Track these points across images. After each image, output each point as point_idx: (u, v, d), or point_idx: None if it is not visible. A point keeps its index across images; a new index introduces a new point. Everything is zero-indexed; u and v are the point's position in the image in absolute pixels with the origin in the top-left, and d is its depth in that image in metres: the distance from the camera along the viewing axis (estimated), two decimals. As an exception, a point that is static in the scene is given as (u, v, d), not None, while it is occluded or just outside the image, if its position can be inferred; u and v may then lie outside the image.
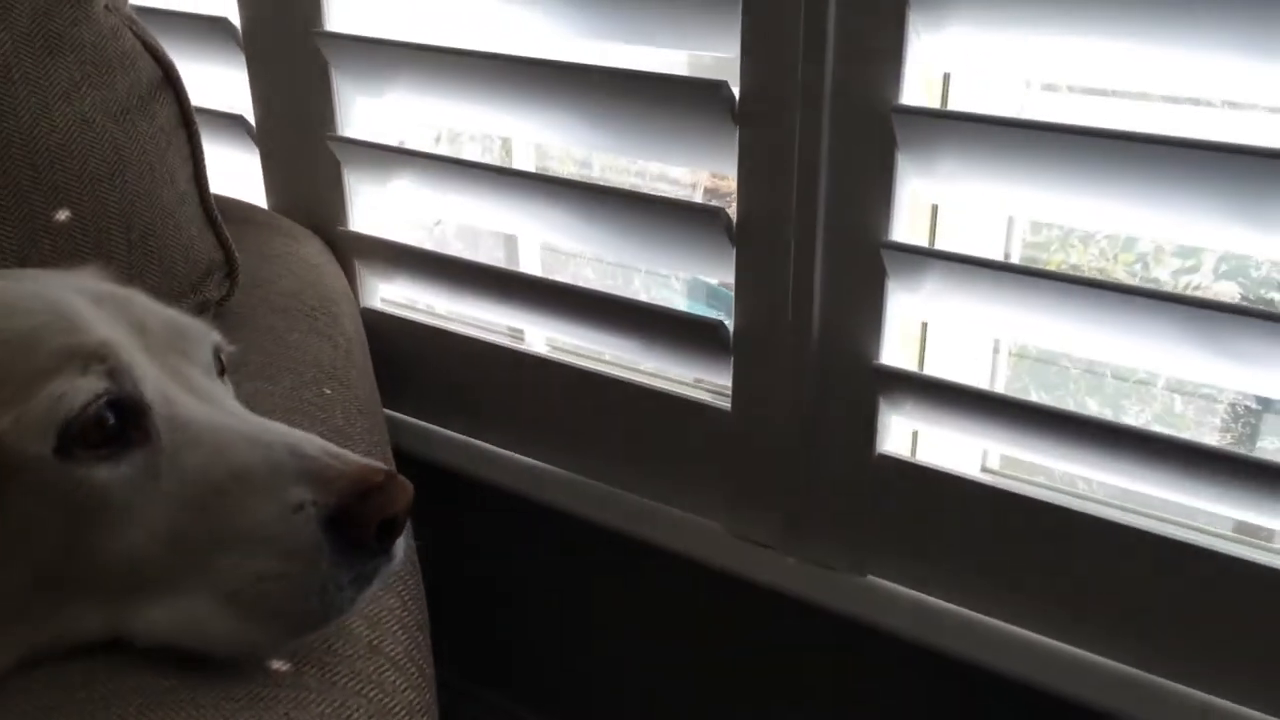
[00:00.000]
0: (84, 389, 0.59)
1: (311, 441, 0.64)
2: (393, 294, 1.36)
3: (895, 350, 0.98)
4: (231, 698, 0.58)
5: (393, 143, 1.29)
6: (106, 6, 0.94)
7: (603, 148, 1.16)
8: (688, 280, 1.65)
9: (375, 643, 0.67)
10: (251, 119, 1.34)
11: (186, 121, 0.96)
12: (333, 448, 0.64)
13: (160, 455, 0.62)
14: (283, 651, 0.63)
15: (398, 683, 0.65)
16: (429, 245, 1.34)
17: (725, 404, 1.08)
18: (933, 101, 0.96)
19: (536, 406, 1.23)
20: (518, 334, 1.31)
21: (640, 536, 1.16)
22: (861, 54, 0.89)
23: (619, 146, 1.14)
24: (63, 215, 0.85)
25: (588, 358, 1.23)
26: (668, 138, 1.06)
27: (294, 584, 0.61)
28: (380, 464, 0.64)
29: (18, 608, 0.61)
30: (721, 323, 1.04)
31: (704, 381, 1.16)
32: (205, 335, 0.71)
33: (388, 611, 0.71)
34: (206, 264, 0.95)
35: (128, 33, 0.94)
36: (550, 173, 1.48)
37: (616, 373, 1.18)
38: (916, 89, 0.91)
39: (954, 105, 0.96)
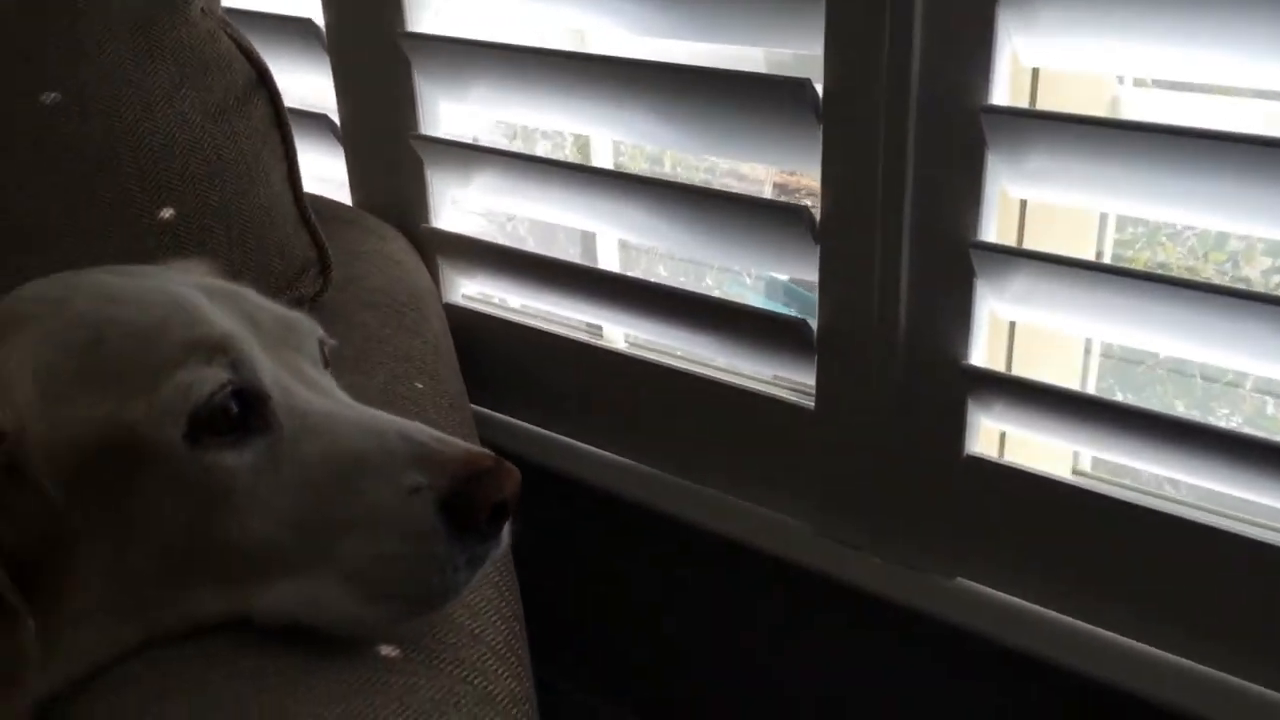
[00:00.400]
0: (211, 378, 0.62)
1: (421, 429, 0.67)
2: (474, 290, 1.38)
3: (983, 350, 0.97)
4: (344, 681, 0.60)
5: (472, 141, 1.31)
6: (203, 10, 0.96)
7: (682, 146, 1.17)
8: (763, 278, 1.65)
9: (477, 632, 0.68)
10: (336, 119, 1.37)
11: (280, 122, 0.99)
12: (441, 434, 0.66)
13: (281, 443, 0.65)
14: (397, 632, 0.65)
15: (500, 671, 0.67)
16: (507, 242, 1.36)
17: (809, 402, 1.08)
18: (1021, 99, 0.95)
19: (616, 402, 1.24)
20: (596, 330, 1.32)
21: (725, 534, 1.16)
22: (949, 51, 0.89)
23: (699, 145, 1.15)
24: (167, 213, 0.88)
25: (666, 354, 1.24)
26: (749, 136, 1.06)
27: (412, 564, 0.63)
28: (487, 450, 0.66)
29: (144, 591, 0.63)
30: (805, 321, 1.04)
31: (784, 379, 1.16)
32: (312, 329, 0.74)
33: (486, 602, 0.72)
34: (301, 261, 0.98)
35: (223, 35, 0.96)
36: (624, 170, 1.49)
37: (697, 369, 1.18)
38: (1004, 86, 0.90)
39: (1043, 103, 0.95)
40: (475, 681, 0.64)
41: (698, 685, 1.33)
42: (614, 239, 1.41)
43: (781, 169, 1.49)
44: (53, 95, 0.85)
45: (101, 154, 0.85)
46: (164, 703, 0.58)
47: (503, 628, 0.71)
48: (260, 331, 0.69)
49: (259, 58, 0.97)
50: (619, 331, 1.30)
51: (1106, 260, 1.05)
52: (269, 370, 0.66)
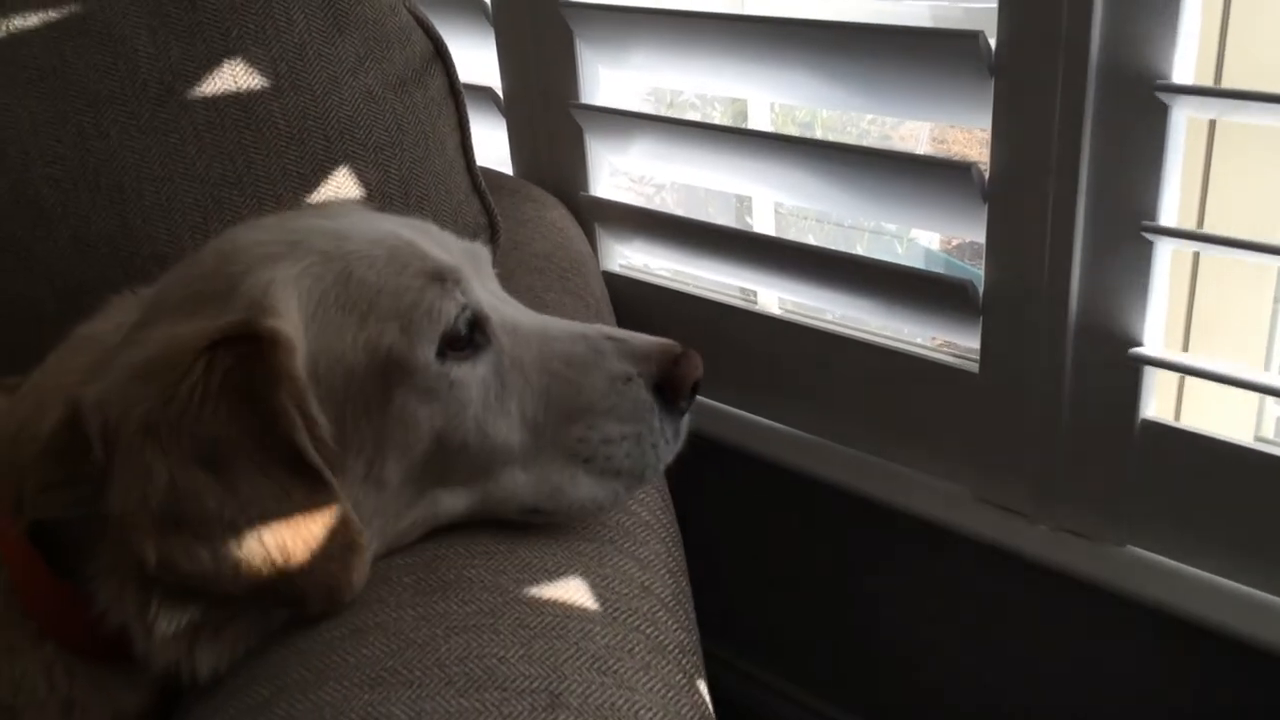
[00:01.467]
0: (452, 304, 0.70)
1: (614, 329, 0.76)
2: (631, 257, 1.39)
3: (1159, 319, 0.93)
4: (526, 626, 0.62)
5: (631, 109, 1.32)
6: (382, -15, 1.00)
7: (846, 105, 1.15)
8: (918, 246, 1.62)
9: (647, 584, 0.70)
10: (499, 90, 1.40)
11: (454, 92, 1.02)
12: (630, 331, 0.75)
13: (503, 354, 0.72)
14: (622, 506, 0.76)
15: (669, 623, 0.68)
16: (664, 209, 1.37)
17: (973, 367, 1.05)
18: (1205, 67, 0.90)
19: (772, 367, 1.24)
20: (749, 295, 1.32)
21: (884, 500, 1.15)
22: (1130, 14, 0.85)
23: (864, 103, 1.13)
24: (351, 181, 0.92)
25: (821, 319, 1.23)
26: (917, 92, 1.03)
27: (634, 441, 0.72)
28: (671, 341, 0.75)
29: (394, 498, 0.69)
30: (971, 283, 1.02)
31: (947, 344, 1.14)
32: (488, 255, 0.81)
33: (655, 556, 0.74)
34: (473, 227, 1.01)
35: (403, 8, 1.00)
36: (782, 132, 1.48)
37: (856, 333, 1.17)
38: (1188, 56, 0.85)
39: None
40: (647, 631, 0.66)
41: (858, 651, 1.32)
42: (767, 211, 1.40)
43: (951, 124, 1.45)
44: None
45: (291, 127, 0.90)
46: (360, 641, 0.62)
47: (670, 582, 0.73)
48: (459, 259, 0.75)
49: (435, 30, 1.00)
50: (774, 297, 1.30)
51: None
52: (482, 293, 0.74)
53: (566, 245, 1.17)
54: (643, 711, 0.58)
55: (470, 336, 0.71)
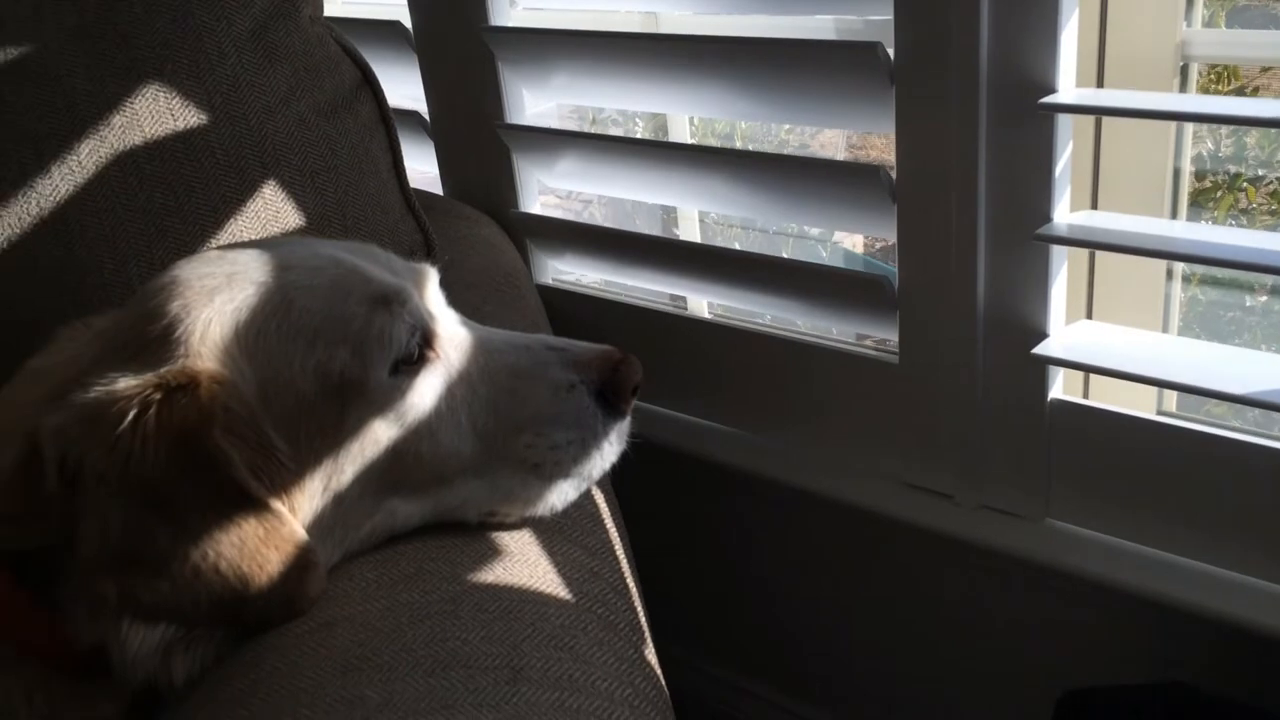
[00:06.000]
0: (401, 327, 0.73)
1: (557, 338, 0.81)
2: (564, 270, 1.44)
3: (1059, 310, 1.00)
4: (485, 610, 0.66)
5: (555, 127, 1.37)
6: (310, 16, 1.04)
7: (759, 117, 1.21)
8: (839, 249, 1.69)
9: (596, 570, 0.75)
10: (425, 114, 1.44)
11: (384, 117, 1.06)
12: (571, 340, 0.80)
13: (452, 368, 0.77)
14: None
15: (618, 604, 0.73)
16: (593, 222, 1.41)
17: (893, 359, 1.12)
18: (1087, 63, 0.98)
19: (702, 369, 1.29)
20: (680, 301, 1.37)
21: (818, 491, 1.20)
22: (1015, 27, 0.92)
23: (775, 114, 1.19)
24: (289, 206, 0.96)
25: (750, 321, 1.29)
26: (824, 102, 1.10)
27: (582, 446, 0.77)
28: (611, 346, 0.79)
29: (353, 509, 0.73)
30: (887, 277, 1.08)
31: (867, 338, 1.20)
32: (433, 273, 0.84)
33: (602, 544, 0.79)
34: (409, 245, 1.05)
35: (330, 39, 1.04)
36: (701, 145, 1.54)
37: (782, 332, 1.23)
38: (1069, 66, 0.93)
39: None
40: (598, 611, 0.70)
41: (791, 640, 1.37)
42: (692, 220, 1.46)
43: (856, 131, 1.52)
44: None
45: (229, 156, 0.93)
46: (329, 633, 0.65)
47: (617, 567, 0.78)
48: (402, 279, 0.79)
49: (362, 58, 1.04)
50: (703, 302, 1.36)
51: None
52: (427, 310, 0.78)
53: (500, 260, 1.21)
54: (599, 682, 0.63)
55: (420, 353, 0.75)
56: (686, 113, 1.34)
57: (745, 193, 1.19)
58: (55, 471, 0.65)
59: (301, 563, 0.68)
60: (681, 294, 1.35)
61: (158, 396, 0.66)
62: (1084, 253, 1.07)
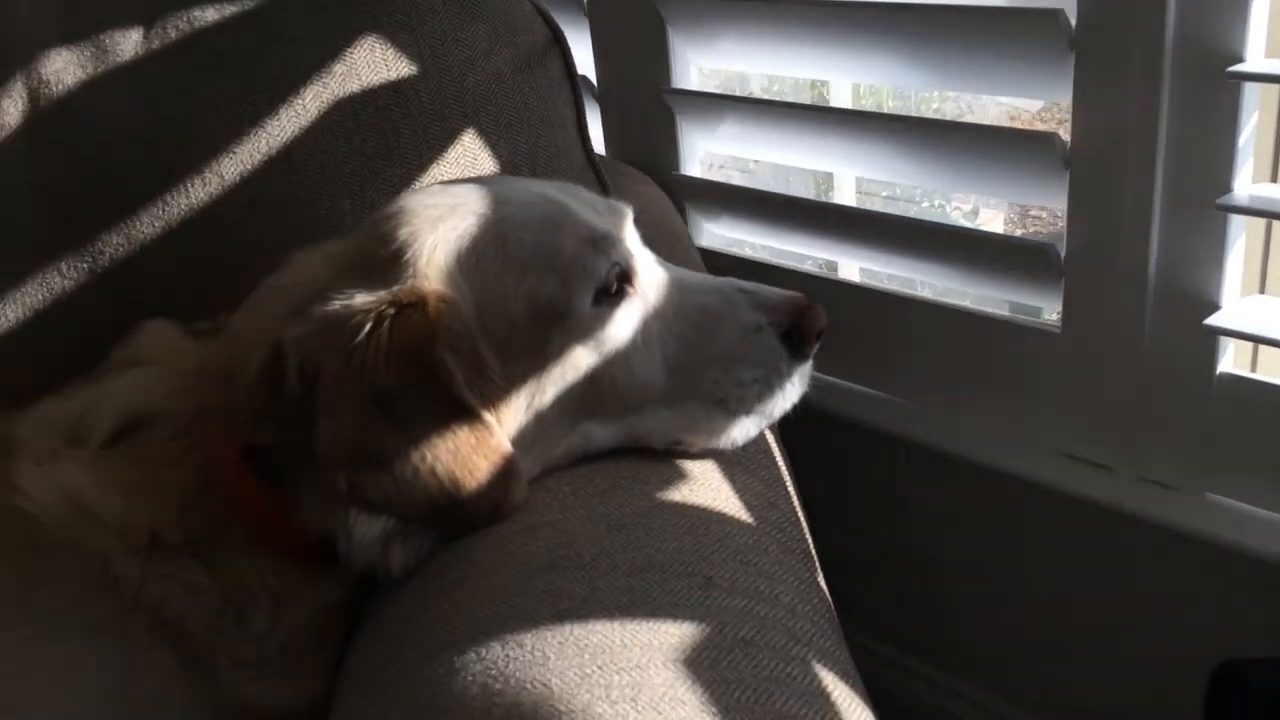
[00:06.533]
0: (605, 263, 0.80)
1: (745, 282, 0.85)
2: (718, 233, 1.48)
3: (1234, 283, 0.99)
4: (677, 525, 0.71)
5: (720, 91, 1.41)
6: (505, -23, 1.10)
7: (929, 84, 1.23)
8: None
9: (773, 500, 0.80)
10: (593, 78, 1.50)
11: (570, 75, 1.11)
12: (760, 284, 0.84)
13: (648, 304, 0.82)
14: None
15: (793, 532, 0.77)
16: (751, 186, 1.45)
17: (1055, 328, 1.12)
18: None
19: (855, 335, 1.31)
20: (829, 268, 1.40)
21: (971, 458, 1.21)
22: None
23: (945, 82, 1.20)
24: (485, 154, 1.02)
25: (904, 286, 1.30)
26: (998, 69, 1.11)
27: (766, 385, 0.82)
28: (797, 293, 0.83)
29: (551, 429, 0.79)
30: (1053, 246, 1.09)
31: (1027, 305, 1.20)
32: (630, 212, 0.90)
33: (776, 479, 0.84)
34: (590, 197, 1.10)
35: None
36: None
37: (938, 299, 1.25)
38: (1259, 35, 0.92)
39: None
40: (776, 536, 0.75)
41: (947, 607, 1.37)
42: (848, 188, 1.48)
43: (1032, 99, 1.52)
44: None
45: (434, 104, 1.00)
46: (533, 536, 0.71)
47: (790, 500, 0.82)
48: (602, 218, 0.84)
49: (553, 19, 1.10)
50: (854, 268, 1.38)
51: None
52: (628, 250, 0.83)
53: (666, 219, 1.26)
54: (782, 595, 0.67)
55: (620, 288, 0.80)
56: (854, 79, 1.36)
57: (910, 159, 1.21)
58: (296, 375, 0.73)
59: (507, 471, 0.74)
60: (838, 259, 1.38)
61: (391, 312, 0.73)
62: (1258, 228, 1.05)
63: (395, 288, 0.75)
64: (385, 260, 0.77)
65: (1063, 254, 1.08)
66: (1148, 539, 1.11)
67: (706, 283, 0.85)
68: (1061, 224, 1.06)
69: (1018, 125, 1.68)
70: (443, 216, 0.79)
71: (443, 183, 0.88)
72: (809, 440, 1.34)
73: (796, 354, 0.83)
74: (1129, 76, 0.98)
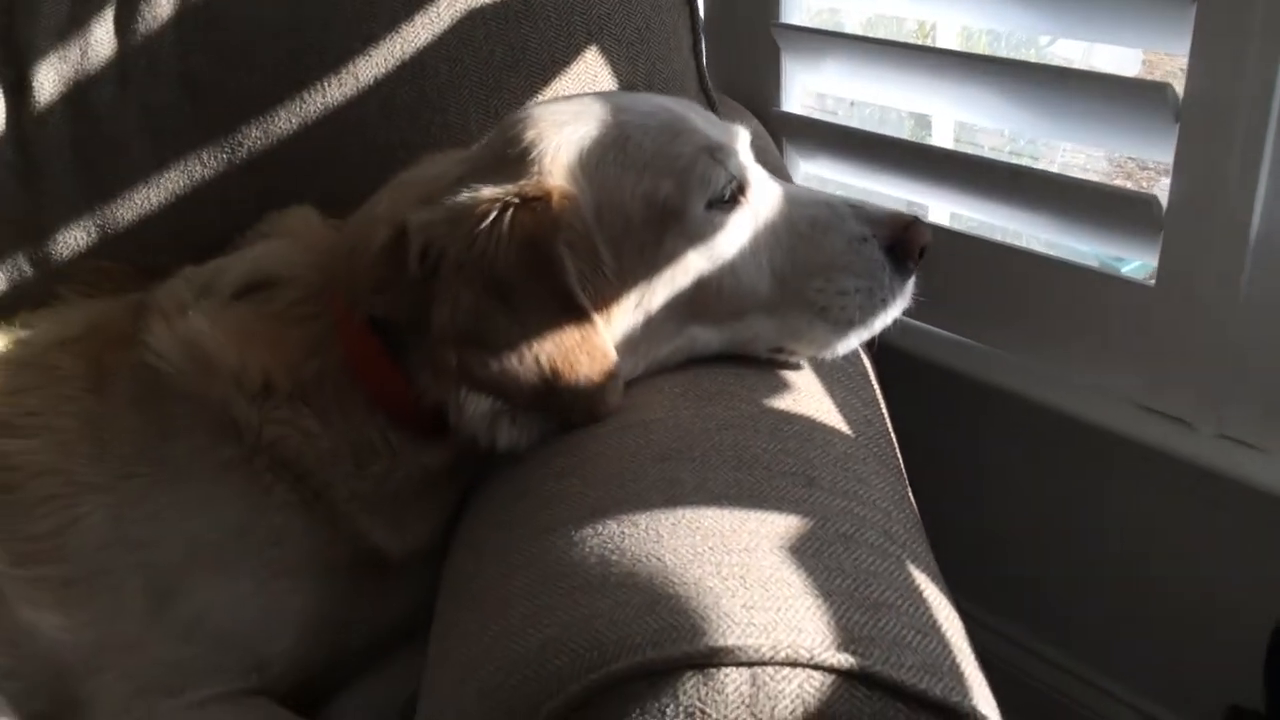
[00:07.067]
0: (722, 173, 0.83)
1: (851, 197, 0.88)
2: (813, 171, 1.50)
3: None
4: (780, 430, 0.75)
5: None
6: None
7: (1042, 30, 1.23)
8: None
9: (869, 417, 0.83)
10: (700, 6, 1.51)
11: (689, 1, 1.14)
12: (865, 200, 0.85)
13: (758, 215, 0.85)
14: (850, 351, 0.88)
15: (887, 447, 0.81)
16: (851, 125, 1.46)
17: (1149, 280, 1.13)
18: None
19: (944, 279, 1.32)
20: (920, 211, 1.40)
21: (1051, 405, 1.22)
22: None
23: (1060, 28, 1.21)
24: (605, 72, 1.06)
25: (994, 231, 1.31)
26: (1115, 18, 1.11)
27: (868, 295, 0.84)
28: (902, 210, 0.85)
29: (658, 330, 0.84)
30: (1156, 198, 1.09)
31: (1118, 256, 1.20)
32: (745, 133, 0.92)
33: (872, 399, 0.87)
34: (700, 121, 1.13)
35: (646, -78, 1.12)
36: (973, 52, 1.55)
37: (1029, 246, 1.26)
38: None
39: None
40: (872, 449, 0.79)
41: (1017, 554, 1.38)
42: (946, 133, 1.48)
43: (1148, 49, 1.50)
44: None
45: (561, 20, 1.04)
46: (645, 430, 0.76)
47: (885, 421, 0.85)
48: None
49: (671, -60, 1.12)
50: (945, 212, 1.38)
51: None
52: (743, 163, 0.86)
53: (768, 150, 1.29)
54: (879, 501, 0.71)
55: (733, 197, 0.84)
56: (963, 21, 1.36)
57: (1016, 104, 1.21)
58: (417, 258, 0.78)
59: (606, 372, 0.79)
60: (933, 203, 1.39)
61: (515, 203, 0.77)
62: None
63: (521, 182, 0.79)
64: (512, 159, 0.81)
65: (1164, 207, 1.09)
66: (1223, 494, 1.12)
67: (815, 197, 0.88)
68: (1154, 183, 1.06)
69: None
70: (568, 121, 0.83)
71: (566, 96, 0.91)
72: (887, 381, 1.36)
73: (900, 268, 0.85)
74: (1249, 29, 0.98)
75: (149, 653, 0.83)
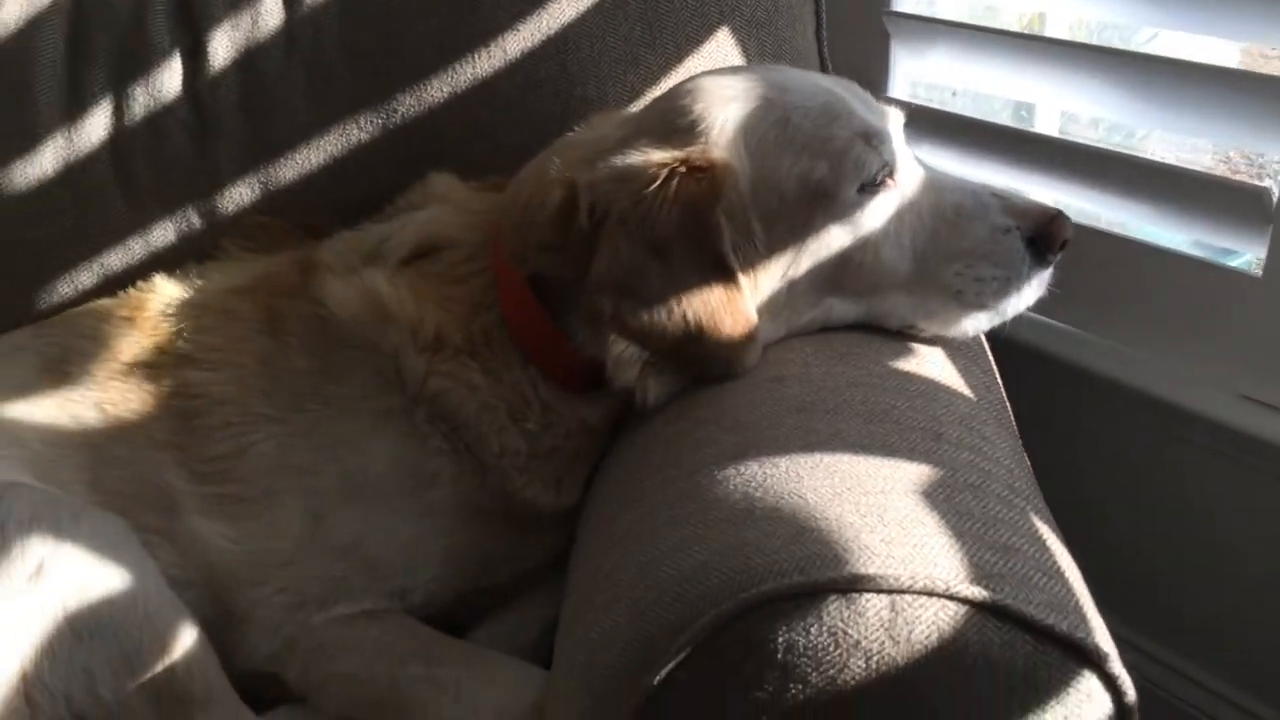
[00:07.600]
0: (876, 159, 0.87)
1: (997, 187, 0.92)
2: (920, 157, 1.53)
3: None
4: (908, 389, 0.80)
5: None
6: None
7: (1152, 21, 1.25)
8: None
9: (988, 385, 0.88)
10: (814, -5, 1.55)
11: (815, -17, 1.19)
12: (1009, 190, 0.88)
13: (904, 199, 0.90)
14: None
15: (1004, 413, 0.85)
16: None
17: (1257, 271, 1.15)
18: None
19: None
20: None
21: (1151, 392, 1.24)
22: None
23: (1173, 20, 1.22)
24: (735, 52, 1.11)
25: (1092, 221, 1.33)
26: (1223, 7, 1.12)
27: (1005, 284, 0.88)
28: (1046, 203, 0.88)
29: (800, 298, 0.89)
30: (1268, 189, 1.11)
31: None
32: (899, 115, 0.96)
33: (989, 372, 0.92)
34: (820, 104, 1.18)
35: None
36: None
37: (1134, 236, 1.28)
38: None
39: None
40: (992, 413, 0.83)
41: (1110, 543, 1.38)
42: (1051, 123, 1.50)
43: (1255, 42, 1.50)
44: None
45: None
46: (781, 384, 0.81)
47: (1002, 392, 0.90)
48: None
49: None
50: (1047, 198, 1.40)
51: None
52: (895, 148, 0.90)
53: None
54: (1001, 458, 0.76)
55: (882, 181, 0.88)
56: (1070, 13, 1.37)
57: (1127, 95, 1.23)
58: (586, 213, 0.84)
59: (747, 333, 0.84)
60: (1037, 192, 1.40)
61: (682, 170, 0.83)
62: None
63: (688, 149, 0.84)
64: (681, 128, 0.87)
65: (1275, 199, 1.11)
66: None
67: (961, 184, 0.92)
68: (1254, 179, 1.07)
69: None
70: (735, 97, 0.88)
71: (732, 68, 0.97)
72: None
73: (1039, 259, 0.89)
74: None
75: (304, 569, 0.91)
